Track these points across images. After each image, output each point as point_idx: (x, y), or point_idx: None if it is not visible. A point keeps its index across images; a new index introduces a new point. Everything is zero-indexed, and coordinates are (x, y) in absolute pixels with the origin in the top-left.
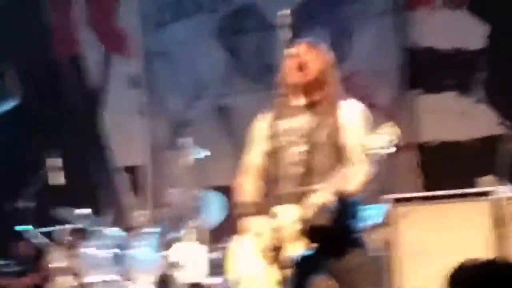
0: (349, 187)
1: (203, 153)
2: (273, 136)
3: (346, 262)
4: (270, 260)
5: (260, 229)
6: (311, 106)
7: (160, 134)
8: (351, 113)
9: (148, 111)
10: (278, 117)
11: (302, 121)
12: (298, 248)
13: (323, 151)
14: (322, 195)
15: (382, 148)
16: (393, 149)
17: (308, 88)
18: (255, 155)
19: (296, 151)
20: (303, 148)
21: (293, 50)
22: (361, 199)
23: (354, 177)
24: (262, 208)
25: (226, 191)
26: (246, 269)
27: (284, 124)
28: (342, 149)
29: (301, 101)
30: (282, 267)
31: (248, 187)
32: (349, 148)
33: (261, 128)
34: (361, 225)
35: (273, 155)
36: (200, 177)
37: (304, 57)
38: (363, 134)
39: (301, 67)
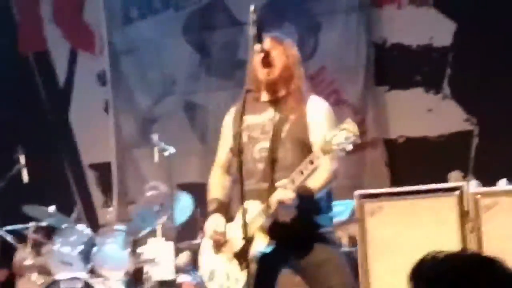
0: (312, 184)
1: (170, 150)
2: (236, 132)
3: (312, 257)
4: (230, 258)
5: (217, 227)
6: (275, 102)
7: (127, 131)
8: (315, 110)
9: (114, 108)
10: (242, 113)
11: (265, 117)
12: (259, 244)
13: (285, 147)
14: (284, 191)
15: (339, 144)
16: (350, 147)
17: (272, 84)
18: (222, 151)
19: (258, 148)
20: (265, 144)
21: (258, 46)
22: (326, 195)
23: (317, 173)
24: (226, 205)
25: (193, 188)
26: (209, 267)
27: (249, 119)
28: (306, 146)
29: (265, 97)
30: (245, 263)
31: (213, 185)
32: (313, 145)
33: (227, 124)
34: (326, 221)
35: (237, 151)
36: (167, 174)
37: (269, 53)
38: (327, 132)
39: (266, 63)
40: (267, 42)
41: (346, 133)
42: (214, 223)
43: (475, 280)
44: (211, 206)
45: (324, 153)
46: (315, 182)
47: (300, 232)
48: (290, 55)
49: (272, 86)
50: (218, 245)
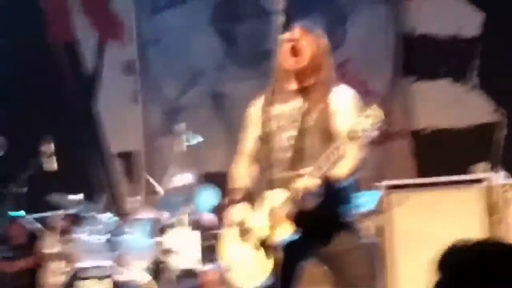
0: (338, 172)
1: (197, 140)
2: (265, 121)
3: (337, 246)
4: (255, 246)
5: (241, 216)
6: (303, 91)
7: (154, 120)
8: (342, 98)
9: (142, 97)
10: (270, 102)
11: (293, 106)
12: (284, 233)
13: (313, 136)
14: (309, 179)
15: (365, 131)
16: (376, 132)
17: (301, 73)
18: (248, 140)
19: (286, 136)
20: (293, 133)
21: (287, 35)
22: (353, 185)
23: (344, 161)
24: (253, 193)
25: (220, 177)
26: (233, 256)
27: (276, 109)
28: (333, 135)
29: (294, 86)
30: (270, 252)
31: (239, 174)
32: (339, 133)
33: (254, 113)
34: (352, 210)
35: (265, 140)
36: (194, 163)
37: (298, 42)
38: (353, 120)
39: (295, 52)
40: (296, 31)
41: (372, 119)
42: (242, 211)
43: (505, 266)
44: (238, 195)
45: (350, 139)
46: (341, 170)
47: (325, 220)
48: (320, 44)
49: (300, 75)
50: (244, 234)
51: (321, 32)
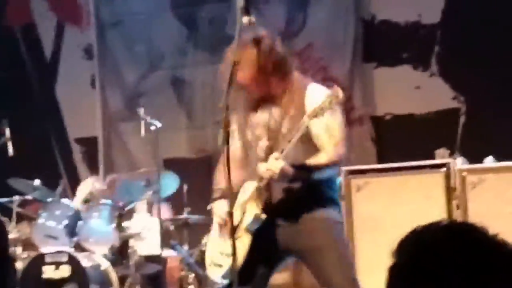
0: (312, 161)
1: (156, 125)
2: (243, 130)
3: (310, 240)
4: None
5: (220, 211)
6: (272, 99)
7: (113, 105)
8: (313, 100)
9: (101, 82)
10: (246, 110)
11: (267, 115)
12: (250, 215)
13: (287, 143)
14: (272, 160)
15: (323, 109)
16: (336, 108)
17: (256, 85)
18: (233, 146)
19: (261, 145)
20: (267, 142)
21: (246, 19)
22: (330, 179)
23: (318, 155)
24: (233, 193)
25: (179, 163)
26: (212, 250)
27: (252, 117)
28: (308, 138)
29: (261, 94)
30: (234, 236)
31: (218, 176)
32: (315, 137)
33: (236, 119)
34: (328, 205)
35: (245, 149)
36: (153, 148)
37: (237, 65)
38: (327, 120)
39: (239, 70)
40: (228, 57)
41: (330, 98)
42: (218, 208)
43: (456, 245)
44: (215, 194)
45: (310, 118)
46: (312, 160)
47: (292, 210)
48: (261, 53)
49: (258, 86)
50: (222, 228)
51: (261, 34)
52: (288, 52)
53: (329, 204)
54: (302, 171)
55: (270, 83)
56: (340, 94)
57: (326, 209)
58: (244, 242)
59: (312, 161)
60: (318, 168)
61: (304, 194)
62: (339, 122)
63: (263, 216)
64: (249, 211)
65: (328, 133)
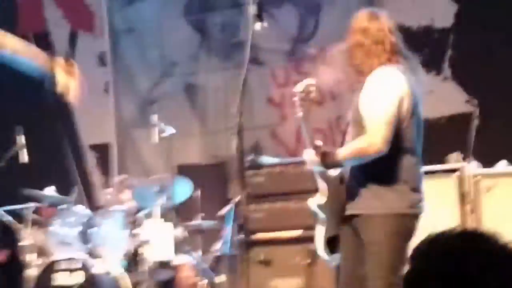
0: (337, 151)
1: (169, 131)
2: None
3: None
4: None
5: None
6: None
7: (127, 112)
8: (368, 83)
9: (114, 89)
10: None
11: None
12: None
13: (353, 127)
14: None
15: (300, 92)
16: (312, 92)
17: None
18: None
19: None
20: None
21: (259, 25)
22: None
23: (348, 145)
24: None
25: (192, 169)
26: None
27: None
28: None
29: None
30: None
31: None
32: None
33: None
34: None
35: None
36: (166, 155)
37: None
38: (374, 104)
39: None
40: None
41: (304, 86)
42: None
43: (469, 253)
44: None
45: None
46: (342, 150)
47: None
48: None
49: (354, 55)
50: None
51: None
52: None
53: (376, 193)
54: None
55: (367, 57)
56: (313, 82)
57: (371, 199)
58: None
59: (339, 151)
60: (345, 158)
61: (353, 183)
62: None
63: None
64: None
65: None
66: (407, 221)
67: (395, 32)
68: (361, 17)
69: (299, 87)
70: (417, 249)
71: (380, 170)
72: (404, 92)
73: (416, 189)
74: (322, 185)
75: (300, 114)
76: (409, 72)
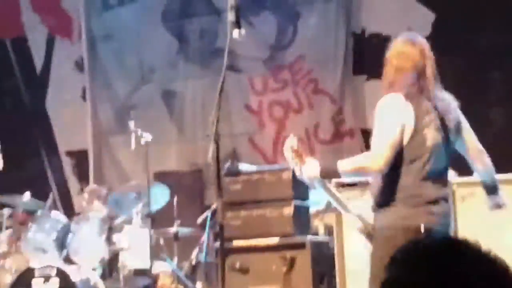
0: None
1: (146, 138)
2: None
3: None
4: None
5: None
6: None
7: (104, 118)
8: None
9: (92, 95)
10: None
11: None
12: None
13: None
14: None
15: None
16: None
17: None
18: None
19: None
20: None
21: (237, 32)
22: None
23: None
24: None
25: (170, 176)
26: None
27: None
28: None
29: None
30: None
31: None
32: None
33: None
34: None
35: None
36: (144, 162)
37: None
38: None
39: None
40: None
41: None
42: None
43: (449, 261)
44: None
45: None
46: (341, 163)
47: None
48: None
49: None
50: None
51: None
52: None
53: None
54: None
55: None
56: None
57: (378, 212)
58: None
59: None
60: (345, 172)
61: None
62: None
63: None
64: None
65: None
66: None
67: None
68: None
69: (285, 152)
70: (393, 258)
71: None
72: (406, 120)
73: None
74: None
75: (296, 167)
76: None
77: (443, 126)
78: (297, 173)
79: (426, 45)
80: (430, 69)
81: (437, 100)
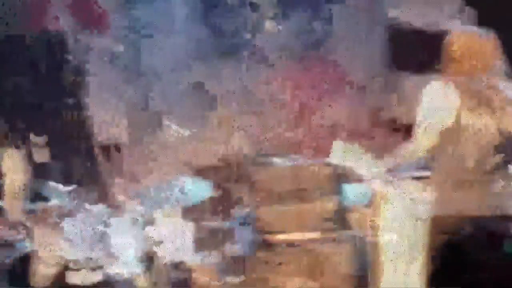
0: None
1: (184, 132)
2: None
3: None
4: None
5: None
6: None
7: (139, 112)
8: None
9: (127, 89)
10: None
11: None
12: None
13: None
14: None
15: None
16: None
17: None
18: None
19: None
20: None
21: None
22: None
23: None
24: None
25: (208, 170)
26: None
27: None
28: None
29: None
30: None
31: None
32: None
33: None
34: None
35: None
36: (181, 156)
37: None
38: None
39: None
40: None
41: None
42: None
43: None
44: None
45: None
46: None
47: None
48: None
49: None
50: None
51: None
52: None
53: None
54: None
55: None
56: None
57: None
58: None
59: None
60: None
61: None
62: None
63: None
64: None
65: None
66: None
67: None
68: None
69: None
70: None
71: None
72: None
73: None
74: None
75: None
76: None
77: None
78: None
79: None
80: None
81: None
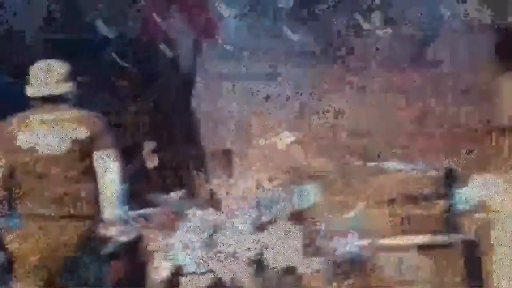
0: None
1: (292, 138)
2: None
3: None
4: None
5: None
6: None
7: (246, 118)
8: None
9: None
10: None
11: None
12: None
13: None
14: None
15: None
16: None
17: None
18: None
19: None
20: None
21: None
22: None
23: None
24: None
25: (319, 176)
26: None
27: None
28: None
29: None
30: None
31: None
32: None
33: None
34: None
35: None
36: (292, 162)
37: None
38: None
39: None
40: None
41: None
42: None
43: None
44: None
45: None
46: None
47: None
48: None
49: None
50: None
51: None
52: None
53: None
54: None
55: None
56: None
57: None
58: None
59: None
60: None
61: None
62: None
63: None
64: None
65: None
66: None
67: None
68: None
69: None
70: None
71: None
72: None
73: None
74: None
75: None
76: None
77: None
78: None
79: None
80: None
81: None
